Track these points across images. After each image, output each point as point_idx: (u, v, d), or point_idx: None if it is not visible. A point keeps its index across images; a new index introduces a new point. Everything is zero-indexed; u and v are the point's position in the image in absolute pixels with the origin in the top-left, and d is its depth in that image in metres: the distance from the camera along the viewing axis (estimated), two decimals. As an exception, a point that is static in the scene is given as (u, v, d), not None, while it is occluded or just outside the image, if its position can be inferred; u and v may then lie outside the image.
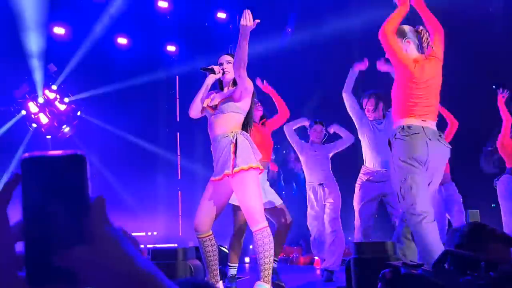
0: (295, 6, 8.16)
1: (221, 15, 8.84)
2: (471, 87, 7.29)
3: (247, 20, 3.16)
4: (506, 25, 7.57)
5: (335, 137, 5.48)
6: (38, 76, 7.91)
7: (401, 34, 3.39)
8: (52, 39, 7.86)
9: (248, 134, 3.49)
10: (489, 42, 7.86)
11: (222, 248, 5.44)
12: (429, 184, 3.22)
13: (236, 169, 3.30)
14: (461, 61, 8.10)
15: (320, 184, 5.26)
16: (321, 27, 8.00)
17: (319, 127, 5.44)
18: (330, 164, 5.39)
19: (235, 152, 3.35)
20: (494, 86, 7.48)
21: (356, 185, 4.77)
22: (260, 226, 3.31)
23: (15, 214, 0.59)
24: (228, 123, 3.49)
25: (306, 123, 5.50)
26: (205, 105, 3.65)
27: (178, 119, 9.55)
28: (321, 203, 5.26)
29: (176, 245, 7.29)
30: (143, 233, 8.45)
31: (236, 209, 4.27)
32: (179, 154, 9.43)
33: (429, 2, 7.58)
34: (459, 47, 7.80)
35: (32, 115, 8.06)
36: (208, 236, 3.51)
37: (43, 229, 0.56)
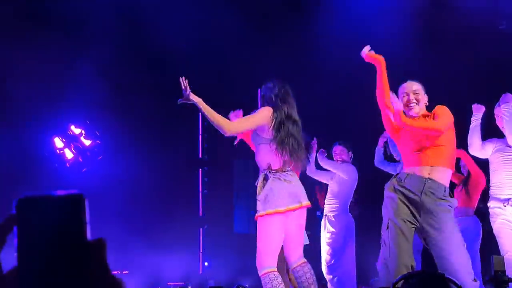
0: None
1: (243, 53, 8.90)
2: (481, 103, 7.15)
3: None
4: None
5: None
6: (64, 112, 8.02)
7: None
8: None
9: (289, 169, 3.47)
10: (500, 59, 7.74)
11: (243, 288, 5.33)
12: None
13: (256, 214, 3.41)
14: (469, 78, 8.01)
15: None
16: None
17: (338, 148, 5.38)
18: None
19: (260, 195, 3.40)
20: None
21: None
22: (263, 272, 3.38)
23: (9, 260, 0.54)
24: (258, 156, 3.55)
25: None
26: None
27: (200, 156, 9.55)
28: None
29: None
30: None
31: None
32: (200, 191, 9.39)
33: (441, 17, 7.56)
34: (469, 64, 7.73)
35: (58, 150, 8.13)
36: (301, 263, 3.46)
37: (39, 276, 0.50)
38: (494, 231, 4.23)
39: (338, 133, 7.20)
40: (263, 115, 3.59)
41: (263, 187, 3.43)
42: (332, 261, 5.13)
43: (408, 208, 3.24)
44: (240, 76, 8.83)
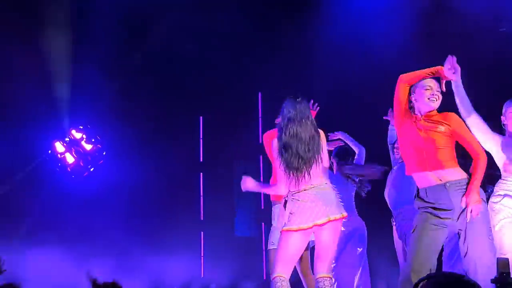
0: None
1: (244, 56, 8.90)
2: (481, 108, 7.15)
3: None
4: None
5: None
6: (65, 116, 8.03)
7: None
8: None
9: (310, 186, 3.71)
10: (500, 62, 7.73)
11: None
12: None
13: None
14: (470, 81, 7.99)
15: None
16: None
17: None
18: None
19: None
20: None
21: None
22: (272, 276, 3.73)
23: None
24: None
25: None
26: None
27: (201, 160, 9.55)
28: None
29: None
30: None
31: None
32: (201, 195, 9.38)
33: (442, 23, 7.55)
34: (470, 68, 7.71)
35: (58, 155, 8.13)
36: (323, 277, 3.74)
37: None
38: (497, 228, 3.99)
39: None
40: (273, 148, 3.90)
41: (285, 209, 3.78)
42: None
43: None
44: (240, 79, 8.84)
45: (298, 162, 3.66)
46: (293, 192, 3.71)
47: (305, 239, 3.76)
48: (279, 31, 8.20)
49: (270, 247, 4.45)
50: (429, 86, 3.70)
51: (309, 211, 3.66)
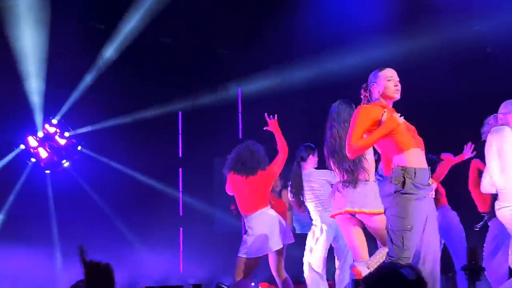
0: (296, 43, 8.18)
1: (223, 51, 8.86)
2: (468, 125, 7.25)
3: None
4: (503, 64, 7.58)
5: None
6: (38, 110, 7.90)
7: None
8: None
9: None
10: (486, 81, 7.87)
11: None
12: None
13: None
14: (457, 100, 8.14)
15: None
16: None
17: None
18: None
19: None
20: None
21: None
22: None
23: None
24: None
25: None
26: None
27: (180, 155, 9.50)
28: None
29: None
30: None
31: None
32: (181, 190, 9.33)
33: (429, 39, 7.64)
34: (455, 86, 7.85)
35: (31, 150, 8.00)
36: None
37: None
38: None
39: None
40: None
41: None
42: None
43: None
44: (220, 73, 8.81)
45: None
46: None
47: None
48: (260, 27, 8.17)
49: (241, 254, 4.52)
50: (391, 76, 3.57)
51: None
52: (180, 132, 9.42)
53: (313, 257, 4.90)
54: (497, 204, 3.78)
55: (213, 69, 8.66)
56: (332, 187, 4.61)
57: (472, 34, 7.61)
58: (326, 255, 4.97)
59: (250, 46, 8.37)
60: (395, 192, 3.19)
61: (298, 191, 5.03)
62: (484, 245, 4.53)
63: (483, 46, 8.10)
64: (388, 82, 3.53)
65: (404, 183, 3.18)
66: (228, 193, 5.09)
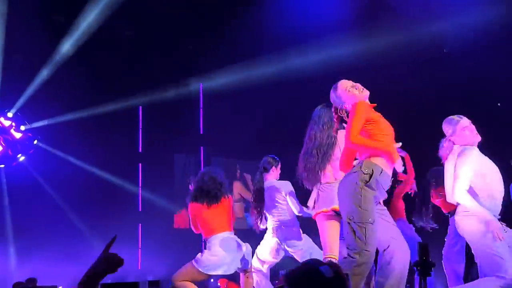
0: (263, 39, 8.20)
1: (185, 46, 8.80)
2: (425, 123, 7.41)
3: None
4: (459, 65, 7.78)
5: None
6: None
7: None
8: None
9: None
10: (443, 81, 8.07)
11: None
12: None
13: None
14: (415, 99, 8.32)
15: None
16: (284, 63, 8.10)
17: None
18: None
19: None
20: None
21: None
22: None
23: None
24: None
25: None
26: None
27: (140, 150, 9.40)
28: None
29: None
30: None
31: None
32: (140, 186, 9.24)
33: (389, 38, 7.76)
34: (415, 86, 8.03)
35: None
36: None
37: None
38: None
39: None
40: None
41: None
42: None
43: None
44: (182, 69, 8.76)
45: None
46: None
47: None
48: (223, 23, 8.17)
49: (199, 267, 4.55)
50: (351, 85, 3.59)
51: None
52: (140, 127, 9.32)
53: (257, 256, 5.13)
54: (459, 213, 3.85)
55: (175, 64, 8.60)
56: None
57: (430, 35, 7.78)
58: (270, 261, 5.14)
59: (213, 42, 8.35)
60: (361, 182, 3.17)
61: (259, 201, 5.10)
62: (446, 236, 4.68)
63: (440, 46, 8.29)
64: (351, 89, 3.57)
65: (371, 176, 3.18)
66: (192, 224, 5.00)
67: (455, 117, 3.98)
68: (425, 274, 2.56)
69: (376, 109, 3.62)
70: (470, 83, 7.99)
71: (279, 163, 5.30)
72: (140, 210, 9.22)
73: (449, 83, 8.11)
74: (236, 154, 9.55)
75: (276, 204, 5.11)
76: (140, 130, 9.32)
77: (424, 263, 2.53)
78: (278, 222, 5.08)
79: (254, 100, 8.53)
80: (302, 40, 7.86)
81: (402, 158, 5.27)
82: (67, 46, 7.81)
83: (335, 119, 3.66)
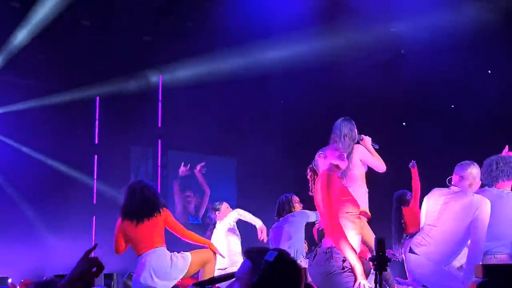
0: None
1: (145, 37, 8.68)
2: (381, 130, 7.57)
3: None
4: (417, 66, 7.97)
5: None
6: None
7: None
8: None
9: None
10: (401, 81, 8.25)
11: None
12: None
13: None
14: (373, 98, 8.49)
15: None
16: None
17: None
18: None
19: None
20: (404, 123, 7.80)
21: None
22: None
23: None
24: None
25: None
26: None
27: (96, 142, 9.25)
28: None
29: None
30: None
31: None
32: (95, 178, 9.10)
33: (347, 37, 7.88)
34: (369, 89, 8.19)
35: None
36: None
37: None
38: None
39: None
40: None
41: None
42: None
43: None
44: (141, 60, 8.65)
45: None
46: None
47: None
48: (185, 15, 8.12)
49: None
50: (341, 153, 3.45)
51: None
52: (97, 118, 9.16)
53: None
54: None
55: (134, 55, 8.47)
56: None
57: (388, 35, 7.93)
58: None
59: (174, 34, 8.28)
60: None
61: None
62: None
63: (398, 47, 8.47)
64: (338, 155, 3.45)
65: None
66: (115, 241, 4.89)
67: None
68: (381, 269, 2.63)
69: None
70: (425, 84, 8.21)
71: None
72: (94, 202, 9.08)
73: (406, 83, 8.30)
74: (195, 149, 9.52)
75: None
76: (97, 121, 9.15)
77: (380, 258, 2.60)
78: None
79: (214, 94, 8.52)
80: (263, 36, 7.89)
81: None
82: (22, 34, 7.59)
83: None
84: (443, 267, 3.80)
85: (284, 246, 5.07)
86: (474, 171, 3.92)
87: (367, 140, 4.60)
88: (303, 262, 4.77)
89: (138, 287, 4.51)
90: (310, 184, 3.42)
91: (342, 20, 7.77)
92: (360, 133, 4.64)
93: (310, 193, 3.38)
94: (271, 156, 8.53)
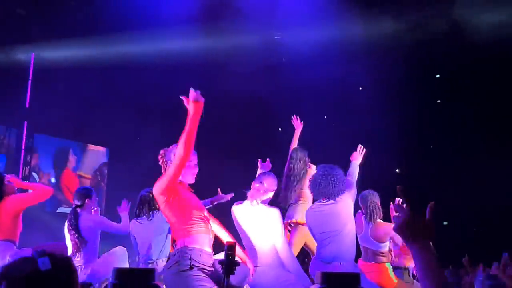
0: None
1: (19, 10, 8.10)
2: (263, 127, 7.70)
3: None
4: (295, 75, 8.21)
5: None
6: None
7: None
8: None
9: None
10: (279, 87, 8.44)
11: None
12: None
13: None
14: (254, 104, 8.63)
15: None
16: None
17: None
18: None
19: None
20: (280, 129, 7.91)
21: None
22: None
23: None
24: None
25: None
26: None
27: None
28: None
29: None
30: None
31: None
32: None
33: (230, 39, 7.88)
34: (250, 91, 8.32)
35: None
36: None
37: None
38: None
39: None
40: None
41: None
42: None
43: None
44: (13, 33, 8.07)
45: None
46: None
47: None
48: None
49: None
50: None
51: None
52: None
53: None
54: None
55: (4, 29, 7.86)
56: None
57: (271, 43, 8.09)
58: None
59: (53, 11, 7.82)
60: None
61: None
62: None
63: (280, 55, 8.67)
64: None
65: None
66: None
67: None
68: (229, 272, 2.66)
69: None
70: (300, 92, 8.46)
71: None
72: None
73: (283, 90, 8.50)
74: (65, 135, 9.05)
75: None
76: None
77: (228, 262, 2.62)
78: None
79: (90, 78, 8.15)
80: (145, 26, 7.72)
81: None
82: None
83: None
84: None
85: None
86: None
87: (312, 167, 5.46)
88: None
89: None
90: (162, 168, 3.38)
91: (229, 21, 7.81)
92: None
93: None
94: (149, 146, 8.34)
